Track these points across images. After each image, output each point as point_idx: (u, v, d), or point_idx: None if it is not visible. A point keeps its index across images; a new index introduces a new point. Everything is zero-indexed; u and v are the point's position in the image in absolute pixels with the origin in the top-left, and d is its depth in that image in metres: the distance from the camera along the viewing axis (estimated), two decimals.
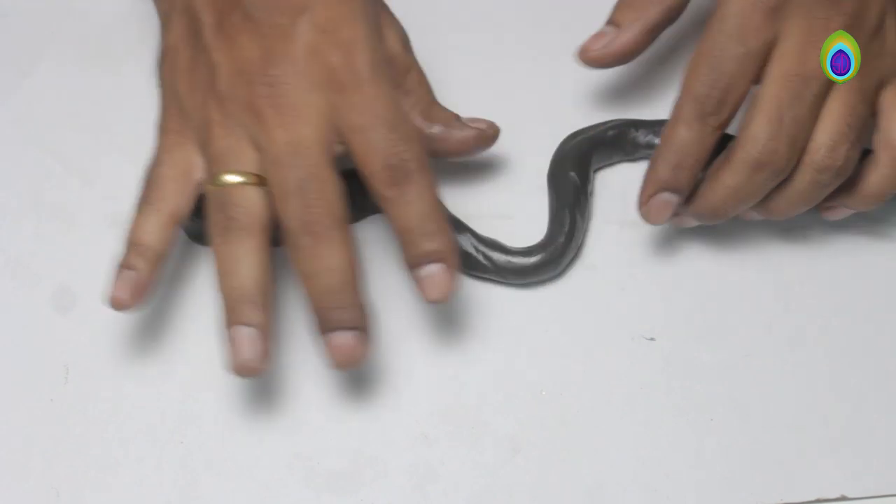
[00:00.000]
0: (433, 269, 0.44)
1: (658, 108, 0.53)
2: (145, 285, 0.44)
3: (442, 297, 0.44)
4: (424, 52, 0.49)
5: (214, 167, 0.44)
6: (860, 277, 0.50)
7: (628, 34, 0.49)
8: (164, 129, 0.47)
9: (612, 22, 0.49)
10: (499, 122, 0.50)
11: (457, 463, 0.45)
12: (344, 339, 0.43)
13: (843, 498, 0.44)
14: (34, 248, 0.50)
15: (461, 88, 0.52)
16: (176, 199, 0.45)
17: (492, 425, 0.46)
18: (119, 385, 0.47)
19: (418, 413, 0.46)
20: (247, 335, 0.43)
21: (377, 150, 0.43)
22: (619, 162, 0.53)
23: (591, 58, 0.49)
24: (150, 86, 0.56)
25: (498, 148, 0.50)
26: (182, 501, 0.44)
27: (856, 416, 0.46)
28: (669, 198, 0.47)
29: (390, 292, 0.49)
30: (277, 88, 0.43)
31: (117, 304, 0.44)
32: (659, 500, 0.44)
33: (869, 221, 0.51)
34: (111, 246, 0.50)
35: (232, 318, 0.43)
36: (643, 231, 0.50)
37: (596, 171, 0.52)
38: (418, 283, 0.44)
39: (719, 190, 0.46)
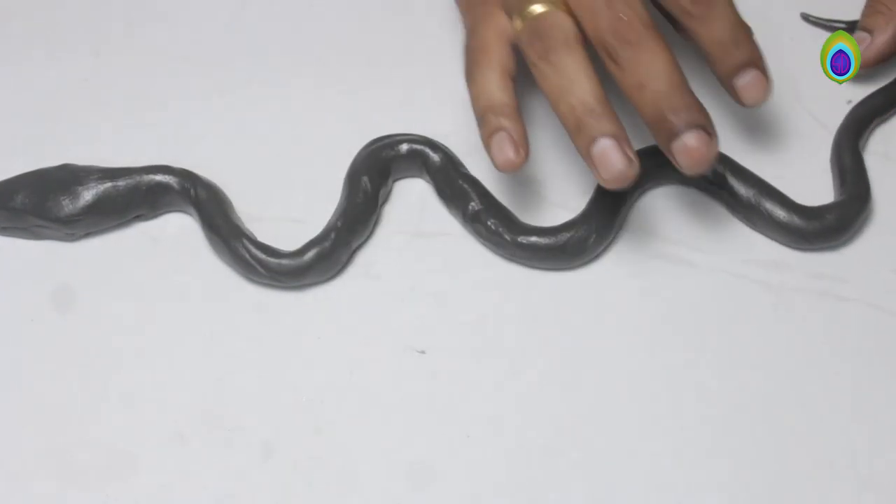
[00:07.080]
0: (750, 76, 0.46)
1: None
2: (523, 138, 0.45)
3: (759, 100, 0.46)
4: None
5: (523, 5, 0.45)
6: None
7: (882, 38, 0.49)
8: (470, 7, 0.49)
9: (863, 28, 0.50)
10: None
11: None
12: (692, 140, 0.43)
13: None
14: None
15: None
16: (503, 56, 0.46)
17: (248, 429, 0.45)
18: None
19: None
20: (611, 147, 0.43)
21: None
22: (417, 177, 0.52)
23: None
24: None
25: (297, 150, 0.53)
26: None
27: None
28: None
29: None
30: None
31: (509, 166, 0.45)
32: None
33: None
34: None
35: (586, 135, 0.43)
36: (434, 243, 0.50)
37: (396, 180, 0.52)
38: (738, 90, 0.46)
39: None
